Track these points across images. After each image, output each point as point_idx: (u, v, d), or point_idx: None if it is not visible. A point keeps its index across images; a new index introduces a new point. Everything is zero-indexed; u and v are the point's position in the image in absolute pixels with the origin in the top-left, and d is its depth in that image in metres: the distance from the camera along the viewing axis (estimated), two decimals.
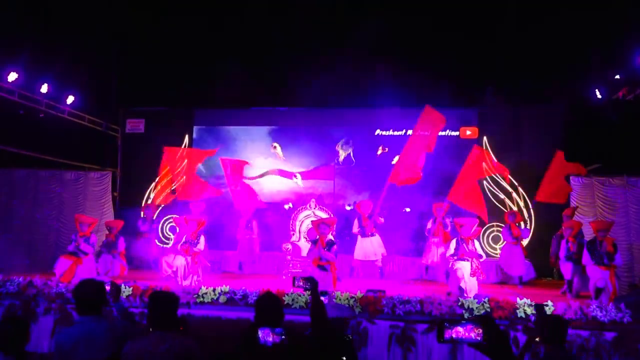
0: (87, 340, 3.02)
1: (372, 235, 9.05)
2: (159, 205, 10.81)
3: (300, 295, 6.13)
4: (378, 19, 9.46)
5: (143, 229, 9.89)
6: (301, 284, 4.10)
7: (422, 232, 9.53)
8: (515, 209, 10.30)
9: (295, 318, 5.78)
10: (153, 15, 10.43)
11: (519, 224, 9.28)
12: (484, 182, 9.35)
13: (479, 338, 1.73)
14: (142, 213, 10.39)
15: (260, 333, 2.58)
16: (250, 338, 2.65)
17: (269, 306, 3.16)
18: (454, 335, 1.75)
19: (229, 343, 3.58)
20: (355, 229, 9.23)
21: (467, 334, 1.74)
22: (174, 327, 3.07)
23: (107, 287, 3.76)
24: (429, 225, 9.29)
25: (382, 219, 9.13)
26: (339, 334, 3.59)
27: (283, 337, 2.56)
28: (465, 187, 8.62)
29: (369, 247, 9.02)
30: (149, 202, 11.14)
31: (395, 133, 11.06)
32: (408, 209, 9.93)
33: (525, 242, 10.19)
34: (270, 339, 2.57)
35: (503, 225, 9.40)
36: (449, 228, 9.03)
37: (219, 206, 10.87)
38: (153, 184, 11.52)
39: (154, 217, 10.41)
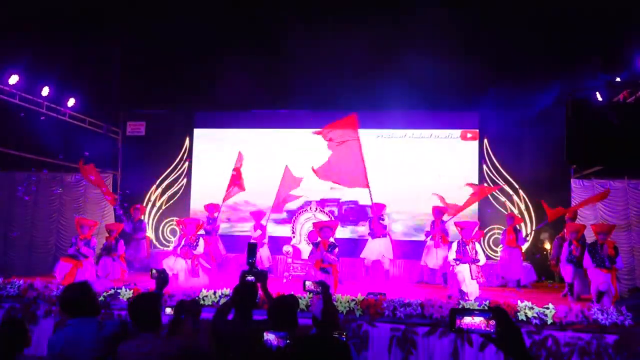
0: (75, 342, 3.02)
1: (383, 236, 9.10)
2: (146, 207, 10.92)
3: (301, 298, 6.12)
4: (379, 21, 9.46)
5: (128, 230, 9.96)
6: (313, 287, 4.09)
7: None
8: (516, 211, 10.28)
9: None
10: (154, 17, 10.43)
11: (517, 227, 9.24)
12: (484, 185, 9.39)
13: (490, 329, 1.73)
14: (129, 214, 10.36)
15: (266, 337, 2.63)
16: (258, 341, 2.68)
17: (284, 310, 3.29)
18: (465, 325, 1.75)
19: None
20: (366, 230, 9.28)
21: (479, 324, 1.74)
22: (159, 328, 3.07)
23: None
24: (428, 227, 9.34)
25: (384, 222, 9.14)
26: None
27: (288, 341, 2.60)
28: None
29: (376, 248, 9.07)
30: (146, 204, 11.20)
31: (396, 135, 11.05)
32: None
33: (524, 246, 10.16)
34: (276, 343, 2.61)
35: (503, 228, 9.40)
36: (448, 231, 9.07)
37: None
38: (154, 187, 11.54)
39: (142, 218, 10.46)
